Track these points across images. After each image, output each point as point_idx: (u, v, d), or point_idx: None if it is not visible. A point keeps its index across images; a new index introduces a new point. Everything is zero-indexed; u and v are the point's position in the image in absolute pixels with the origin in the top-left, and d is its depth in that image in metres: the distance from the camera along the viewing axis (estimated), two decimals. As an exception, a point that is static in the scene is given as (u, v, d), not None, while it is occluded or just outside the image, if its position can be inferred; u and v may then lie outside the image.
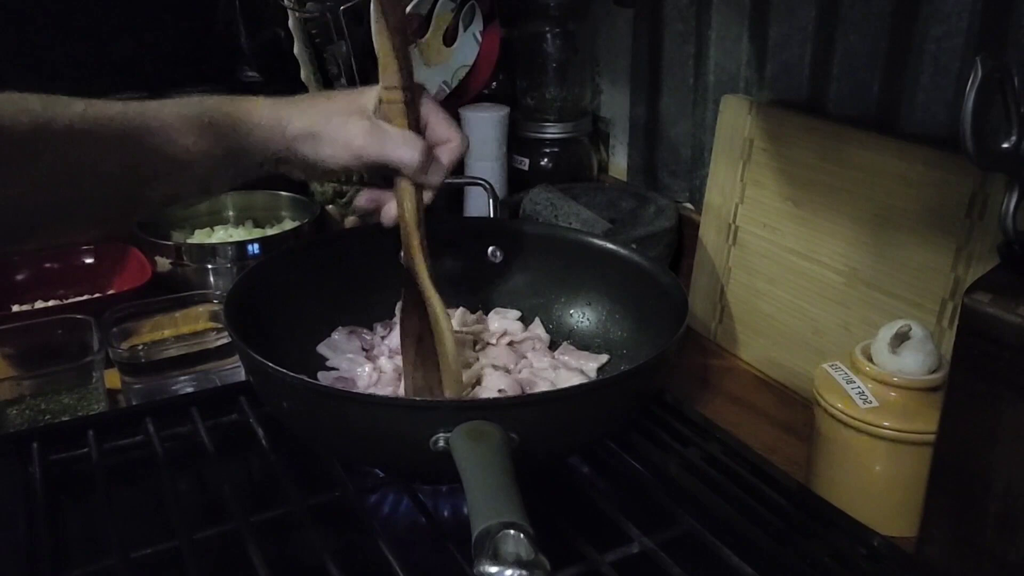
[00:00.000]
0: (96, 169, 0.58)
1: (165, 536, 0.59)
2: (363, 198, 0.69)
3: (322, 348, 0.76)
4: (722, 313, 0.93)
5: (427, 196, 0.67)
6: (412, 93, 0.65)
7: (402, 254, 0.68)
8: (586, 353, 0.77)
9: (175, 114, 0.61)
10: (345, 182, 1.09)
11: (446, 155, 0.67)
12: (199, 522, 0.61)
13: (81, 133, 0.57)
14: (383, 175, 0.67)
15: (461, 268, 0.84)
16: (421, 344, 0.68)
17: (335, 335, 0.77)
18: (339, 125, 0.64)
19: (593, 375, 0.75)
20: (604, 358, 0.76)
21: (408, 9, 0.96)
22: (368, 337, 0.78)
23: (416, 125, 0.65)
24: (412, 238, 0.66)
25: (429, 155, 0.65)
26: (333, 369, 0.74)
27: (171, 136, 0.60)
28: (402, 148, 0.64)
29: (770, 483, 0.65)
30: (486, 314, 0.81)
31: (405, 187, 0.66)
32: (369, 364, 0.73)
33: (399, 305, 0.80)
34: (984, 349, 0.52)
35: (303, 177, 0.71)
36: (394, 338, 0.76)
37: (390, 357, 0.74)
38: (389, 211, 0.68)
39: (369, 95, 0.66)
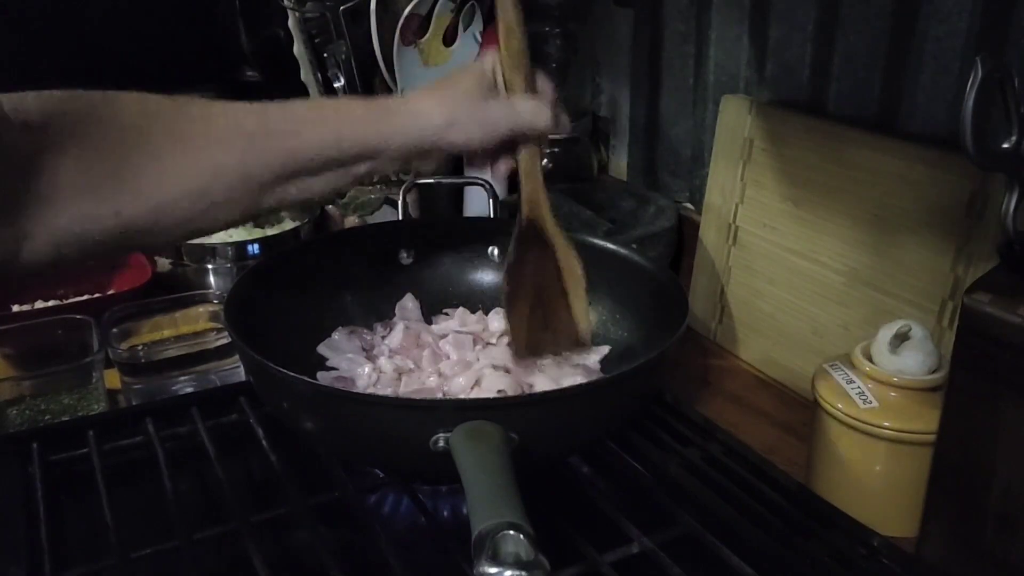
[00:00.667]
0: (228, 167, 0.60)
1: (165, 536, 0.59)
2: (499, 172, 0.71)
3: (322, 348, 0.76)
4: (722, 313, 0.93)
5: (544, 149, 0.72)
6: (528, 55, 0.67)
7: (523, 209, 0.70)
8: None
9: (309, 117, 0.63)
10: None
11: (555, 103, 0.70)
12: (199, 522, 0.61)
13: (219, 129, 0.60)
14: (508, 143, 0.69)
15: (461, 268, 0.84)
16: (537, 295, 0.71)
17: (335, 335, 0.77)
18: (479, 108, 0.66)
19: (595, 367, 0.75)
20: (605, 349, 0.76)
21: (408, 9, 0.96)
22: (368, 337, 0.78)
23: (533, 85, 0.68)
24: (540, 194, 0.70)
25: (556, 116, 0.68)
26: (333, 369, 0.74)
27: (308, 137, 0.62)
28: (537, 119, 0.67)
29: (770, 483, 0.65)
30: (486, 314, 0.81)
31: (533, 151, 0.69)
32: (369, 364, 0.73)
33: (399, 304, 0.81)
34: (984, 349, 0.52)
35: (431, 168, 0.73)
36: (394, 338, 0.76)
37: (390, 357, 0.74)
38: (504, 166, 0.70)
39: (485, 66, 0.68)
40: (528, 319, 0.71)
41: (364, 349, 0.76)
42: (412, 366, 0.74)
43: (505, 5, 0.67)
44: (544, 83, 0.69)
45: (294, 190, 0.64)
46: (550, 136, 0.70)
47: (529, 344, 0.72)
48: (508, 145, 0.68)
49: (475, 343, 0.78)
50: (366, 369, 0.73)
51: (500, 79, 0.68)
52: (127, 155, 0.58)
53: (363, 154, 0.64)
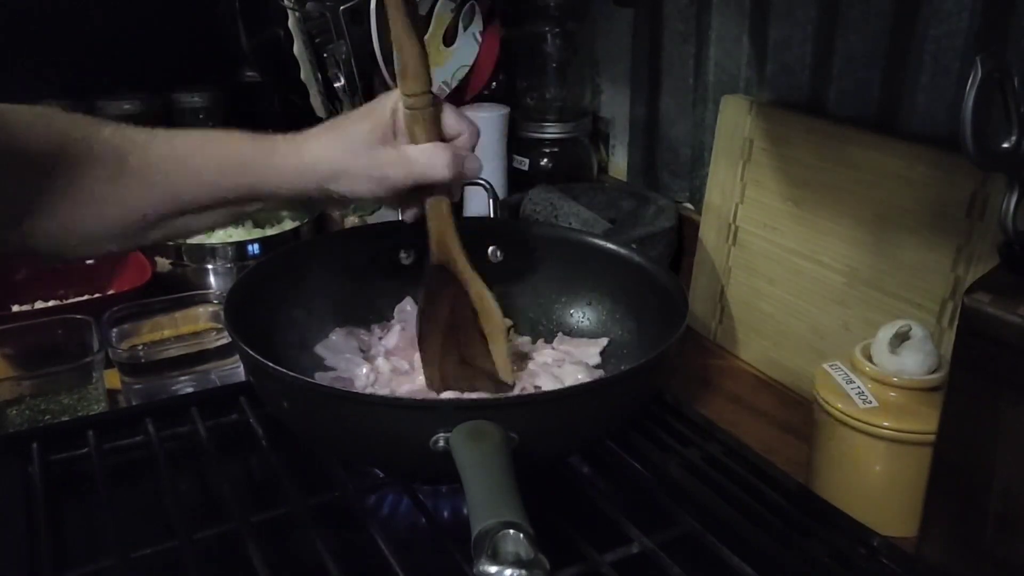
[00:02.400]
0: (131, 200, 0.61)
1: (165, 536, 0.59)
2: (408, 215, 0.68)
3: (319, 349, 0.76)
4: (722, 313, 0.93)
5: (456, 193, 0.68)
6: (431, 96, 0.63)
7: (433, 251, 0.68)
8: (585, 340, 0.78)
9: (202, 150, 0.62)
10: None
11: (464, 148, 0.65)
12: (199, 522, 0.61)
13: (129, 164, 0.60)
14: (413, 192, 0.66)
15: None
16: (451, 335, 0.70)
17: (333, 335, 0.77)
18: (367, 158, 0.62)
19: (596, 361, 0.75)
20: (604, 341, 0.76)
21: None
22: (365, 337, 0.78)
23: (439, 131, 0.64)
24: (448, 236, 0.67)
25: (458, 162, 0.63)
26: (331, 369, 0.74)
27: (201, 172, 0.61)
28: (432, 167, 0.62)
29: (770, 483, 0.65)
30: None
31: (437, 199, 0.66)
32: (367, 365, 0.73)
33: (398, 307, 0.80)
34: (984, 349, 0.52)
35: (333, 211, 0.70)
36: (391, 339, 0.76)
37: (386, 358, 0.74)
38: (411, 212, 0.68)
39: (384, 109, 0.63)
40: (442, 358, 0.70)
41: (361, 350, 0.76)
42: (408, 367, 0.73)
43: (399, 43, 0.61)
44: (459, 124, 0.64)
45: (180, 226, 0.63)
46: (463, 179, 0.65)
47: (445, 378, 0.70)
48: (412, 192, 0.64)
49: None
50: (364, 369, 0.73)
51: (402, 123, 0.63)
52: (18, 190, 0.58)
53: (248, 196, 0.63)
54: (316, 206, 0.66)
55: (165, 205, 0.62)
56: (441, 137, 0.64)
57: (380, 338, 0.78)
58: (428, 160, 0.62)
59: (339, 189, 0.62)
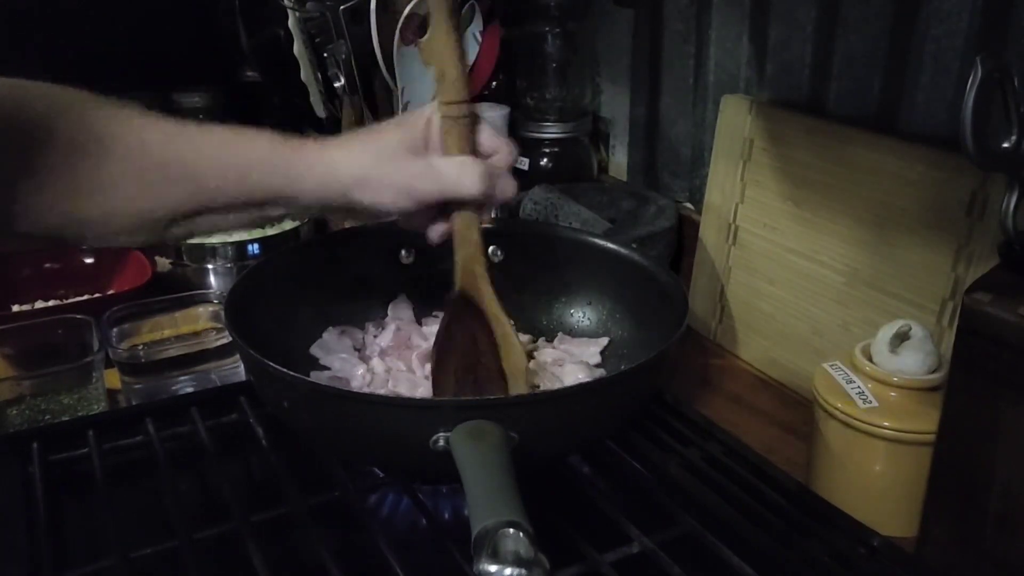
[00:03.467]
0: (151, 193, 0.59)
1: (165, 536, 0.59)
2: (434, 234, 0.64)
3: (315, 349, 0.75)
4: (722, 313, 0.93)
5: (487, 215, 0.64)
6: (470, 107, 0.60)
7: (457, 277, 0.64)
8: (585, 339, 0.78)
9: (219, 159, 0.60)
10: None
11: (499, 167, 0.62)
12: (199, 522, 0.61)
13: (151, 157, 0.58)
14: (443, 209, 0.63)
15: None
16: (467, 367, 0.66)
17: (325, 335, 0.76)
18: (394, 168, 0.59)
19: (597, 360, 0.75)
20: (604, 341, 0.76)
21: (408, 9, 0.96)
22: (360, 336, 0.77)
23: (474, 146, 0.61)
24: (476, 264, 0.63)
25: (490, 179, 0.60)
26: (326, 368, 0.74)
27: (227, 172, 0.60)
28: (462, 182, 0.59)
29: (770, 483, 0.65)
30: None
31: (467, 216, 0.62)
32: (363, 365, 0.73)
33: (392, 304, 0.80)
34: (984, 349, 0.52)
35: (357, 222, 0.66)
36: (384, 337, 0.76)
37: (381, 358, 0.74)
38: (438, 229, 0.64)
39: (419, 120, 0.61)
40: (455, 390, 0.66)
41: (356, 349, 0.76)
42: (403, 367, 0.73)
43: (440, 49, 0.58)
44: (496, 142, 0.62)
45: (204, 224, 0.61)
46: (495, 197, 0.61)
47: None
48: (444, 208, 0.62)
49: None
50: (360, 370, 0.73)
51: (435, 135, 0.60)
52: (53, 176, 0.57)
53: (271, 198, 0.60)
54: (340, 218, 0.63)
55: (190, 200, 0.60)
56: (476, 153, 0.61)
57: (375, 336, 0.78)
58: (458, 174, 0.59)
59: (363, 198, 0.59)
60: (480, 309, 0.64)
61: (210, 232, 0.64)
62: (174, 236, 0.62)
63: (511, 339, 0.64)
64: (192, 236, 0.64)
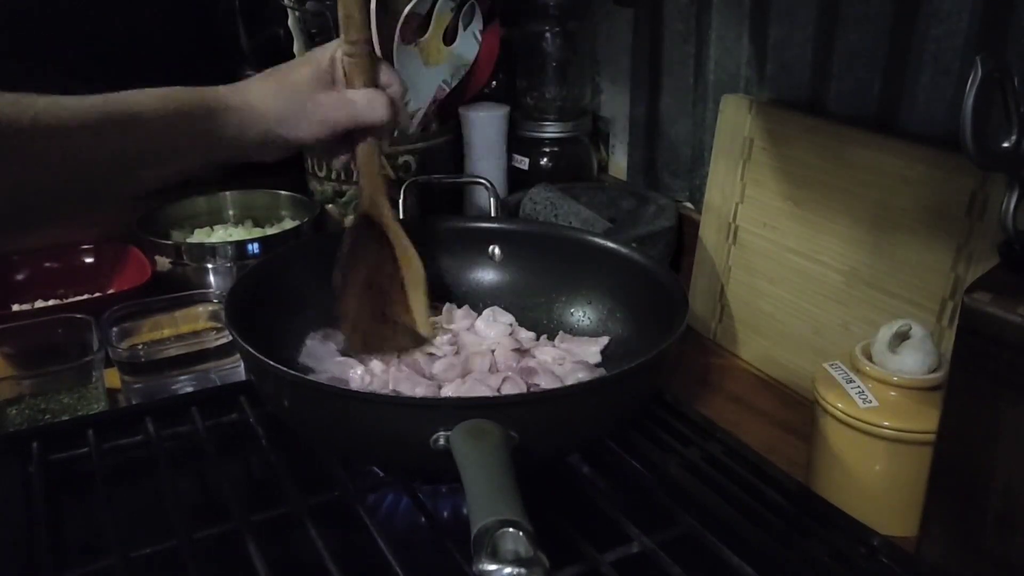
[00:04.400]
0: (83, 158, 0.59)
1: (165, 536, 0.59)
2: (338, 162, 0.72)
3: (304, 359, 0.74)
4: (722, 312, 0.93)
5: (385, 143, 0.70)
6: (371, 44, 0.67)
7: (362, 199, 0.71)
8: (586, 338, 0.78)
9: (150, 104, 0.62)
10: (344, 180, 1.09)
11: (397, 96, 0.69)
12: (199, 522, 0.61)
13: (69, 126, 0.58)
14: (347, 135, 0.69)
15: (461, 267, 0.84)
16: (371, 291, 0.71)
17: (308, 342, 0.75)
18: (311, 102, 0.65)
19: (597, 360, 0.75)
20: (604, 340, 0.76)
21: (408, 8, 0.96)
22: (341, 338, 0.77)
23: (375, 78, 0.67)
24: (379, 188, 0.70)
25: (394, 107, 0.67)
26: (322, 372, 0.74)
27: (150, 125, 0.61)
28: (372, 110, 0.66)
29: (770, 483, 0.65)
30: (479, 313, 0.81)
31: (370, 144, 0.69)
32: (361, 367, 0.72)
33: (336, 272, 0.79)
34: (984, 349, 0.52)
35: (273, 158, 0.71)
36: None
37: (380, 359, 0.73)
38: (342, 158, 0.71)
39: (323, 57, 0.67)
40: (361, 315, 0.72)
41: (339, 351, 0.75)
42: (406, 371, 0.73)
43: None
44: (390, 76, 0.68)
45: (129, 180, 0.63)
46: (401, 130, 0.70)
47: (366, 338, 0.72)
48: (347, 138, 0.68)
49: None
50: (359, 371, 0.72)
51: (339, 71, 0.66)
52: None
53: (197, 145, 0.64)
54: (254, 155, 0.69)
55: (123, 152, 0.61)
56: (377, 86, 0.67)
57: None
58: (368, 103, 0.65)
59: (284, 133, 0.65)
60: (381, 230, 0.71)
61: (139, 190, 0.65)
62: (133, 191, 0.64)
63: (410, 251, 0.72)
64: (126, 195, 0.65)
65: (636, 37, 1.08)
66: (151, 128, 0.61)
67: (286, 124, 0.65)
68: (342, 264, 0.71)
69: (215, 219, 1.12)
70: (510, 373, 0.70)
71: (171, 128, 0.62)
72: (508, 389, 0.69)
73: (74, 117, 0.58)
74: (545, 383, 0.70)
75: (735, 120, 0.89)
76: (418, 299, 0.73)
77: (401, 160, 1.06)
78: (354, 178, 1.08)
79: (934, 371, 0.63)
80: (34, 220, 0.63)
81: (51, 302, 0.97)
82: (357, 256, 0.72)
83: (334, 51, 0.66)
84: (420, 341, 0.73)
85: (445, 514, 0.65)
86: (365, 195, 0.71)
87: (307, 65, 0.66)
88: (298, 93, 0.65)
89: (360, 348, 0.72)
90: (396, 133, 0.73)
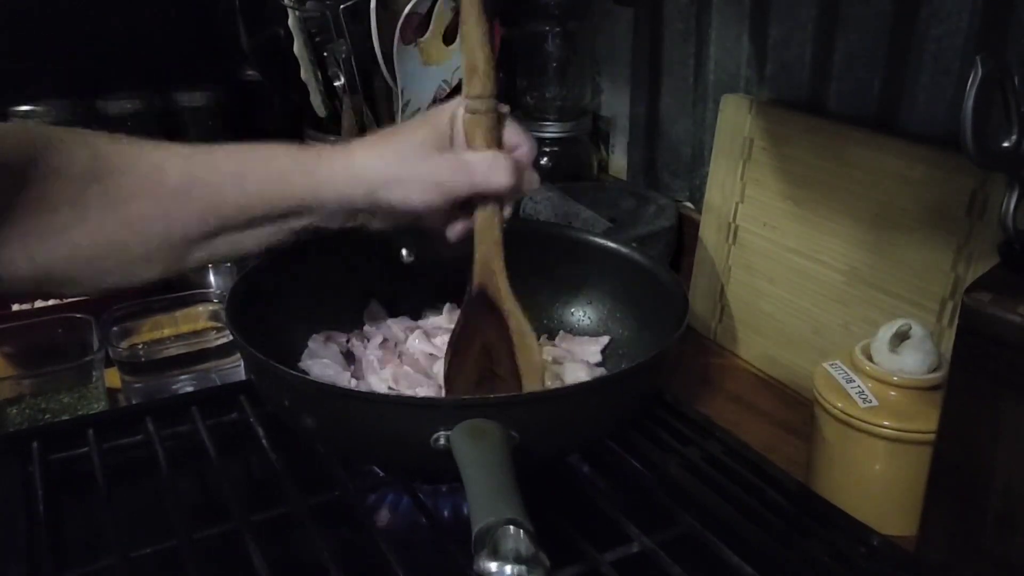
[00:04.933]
0: (176, 217, 0.58)
1: (165, 536, 0.59)
2: (454, 232, 0.64)
3: (305, 362, 0.74)
4: (722, 312, 0.93)
5: (508, 210, 0.64)
6: (496, 100, 0.60)
7: (475, 272, 0.64)
8: (586, 338, 0.78)
9: (238, 174, 0.59)
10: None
11: (523, 160, 0.62)
12: (199, 522, 0.61)
13: (173, 180, 0.57)
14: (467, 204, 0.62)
15: (461, 266, 0.84)
16: (482, 366, 0.65)
17: (311, 343, 0.75)
18: (423, 164, 0.59)
19: (598, 359, 0.75)
20: (605, 340, 0.76)
21: (408, 9, 0.96)
22: (344, 340, 0.76)
23: (500, 140, 0.61)
24: (496, 260, 0.63)
25: (518, 172, 0.60)
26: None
27: (238, 190, 0.58)
28: (493, 175, 0.59)
29: (770, 483, 0.65)
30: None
31: (489, 211, 0.62)
32: (355, 380, 0.72)
33: (367, 311, 0.79)
34: (984, 348, 0.52)
35: (382, 226, 0.65)
36: (373, 351, 0.75)
37: (378, 372, 0.73)
38: (458, 227, 0.64)
39: (442, 116, 0.61)
40: (469, 387, 0.65)
41: (342, 353, 0.75)
42: (407, 368, 0.73)
43: (471, 42, 0.59)
44: (518, 137, 0.62)
45: (223, 246, 0.60)
46: (520, 189, 0.61)
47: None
48: (464, 205, 0.61)
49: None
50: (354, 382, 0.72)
51: (460, 130, 0.60)
52: (56, 205, 0.55)
53: (295, 209, 0.59)
54: (363, 220, 0.63)
55: (209, 218, 0.59)
56: (500, 147, 0.61)
57: (364, 344, 0.76)
58: (489, 167, 0.59)
59: (390, 197, 0.59)
60: (496, 307, 0.64)
61: (230, 255, 0.61)
62: (194, 261, 0.60)
63: (527, 336, 0.63)
64: (212, 261, 0.62)
65: (636, 37, 1.08)
66: (245, 189, 0.58)
67: (394, 188, 0.59)
68: (453, 342, 0.65)
69: (215, 219, 1.12)
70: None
71: (265, 190, 0.58)
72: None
73: (153, 176, 0.57)
74: (545, 383, 0.70)
75: (735, 120, 0.89)
76: (534, 389, 0.64)
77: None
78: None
79: (934, 371, 0.63)
80: (109, 281, 0.60)
81: (51, 302, 0.96)
82: (469, 335, 0.65)
83: (455, 109, 0.61)
84: None
85: (445, 514, 0.65)
86: (480, 264, 0.64)
87: (424, 126, 0.61)
88: (409, 155, 0.59)
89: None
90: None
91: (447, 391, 0.65)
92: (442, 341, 0.76)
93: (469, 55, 0.59)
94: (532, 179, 0.62)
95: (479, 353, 0.65)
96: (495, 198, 0.62)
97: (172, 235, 0.59)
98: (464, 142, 0.61)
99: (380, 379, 0.72)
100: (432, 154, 0.59)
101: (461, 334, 0.65)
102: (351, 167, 0.59)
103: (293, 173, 0.59)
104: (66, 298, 0.98)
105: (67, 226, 0.56)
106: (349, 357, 0.76)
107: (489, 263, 0.63)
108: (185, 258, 0.60)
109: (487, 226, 0.63)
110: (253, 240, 0.61)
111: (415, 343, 0.75)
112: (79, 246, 0.57)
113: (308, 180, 0.59)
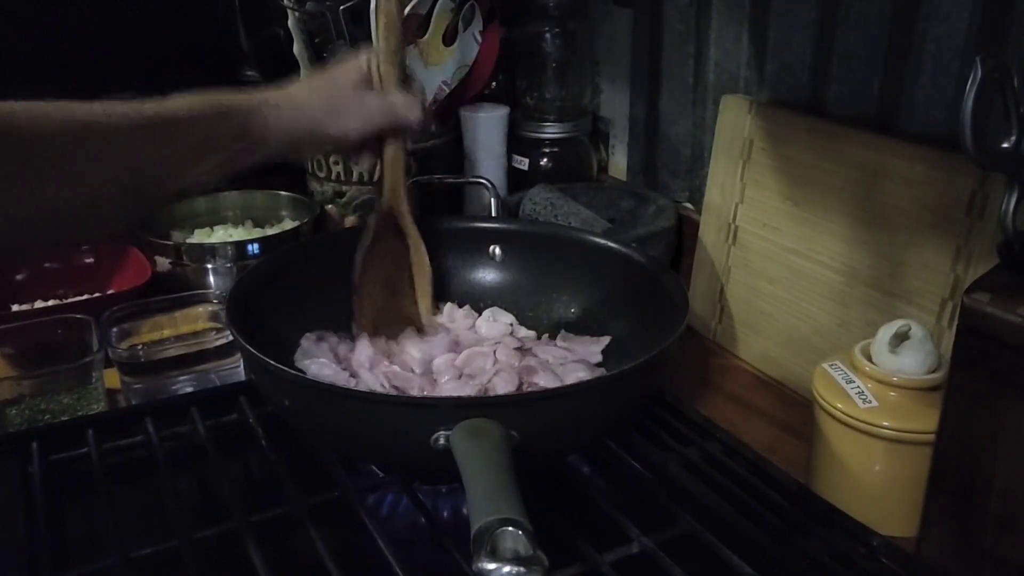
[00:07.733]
0: (127, 164, 0.60)
1: (165, 536, 0.59)
2: (365, 163, 0.75)
3: (299, 361, 0.73)
4: (722, 312, 0.93)
5: (409, 143, 0.76)
6: (403, 54, 0.74)
7: (385, 196, 0.76)
8: (587, 338, 0.77)
9: (188, 105, 0.63)
10: (344, 181, 1.09)
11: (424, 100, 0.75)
12: (199, 522, 0.61)
13: (101, 132, 0.59)
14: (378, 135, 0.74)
15: (461, 267, 0.84)
16: (385, 281, 0.77)
17: (304, 343, 0.74)
18: (356, 100, 0.70)
19: (598, 359, 0.75)
20: (606, 340, 0.76)
21: (408, 9, 0.96)
22: (336, 340, 0.76)
23: (406, 82, 0.73)
24: (400, 185, 0.76)
25: (425, 109, 0.73)
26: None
27: (193, 124, 0.63)
28: (409, 110, 0.71)
29: (770, 483, 0.65)
30: (479, 313, 0.81)
31: (397, 144, 0.74)
32: (353, 380, 0.72)
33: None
34: (984, 349, 0.52)
35: (310, 155, 0.77)
36: (362, 353, 0.74)
37: (371, 370, 0.73)
38: (368, 158, 0.75)
39: (362, 61, 0.72)
40: (376, 299, 0.77)
41: (335, 353, 0.75)
42: (398, 368, 0.73)
43: (388, 3, 0.72)
44: (416, 82, 0.75)
45: (176, 180, 0.64)
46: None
47: (376, 324, 0.77)
48: (375, 139, 0.73)
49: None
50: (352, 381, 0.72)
51: (376, 74, 0.72)
52: (38, 166, 0.56)
53: (238, 137, 0.65)
54: (299, 153, 0.76)
55: (170, 154, 0.62)
56: (408, 89, 0.73)
57: (351, 349, 0.76)
58: (407, 104, 0.71)
59: (329, 128, 0.70)
60: (398, 223, 0.77)
61: (177, 187, 0.66)
62: (150, 198, 0.65)
63: (421, 248, 0.78)
64: (164, 195, 0.68)
65: (636, 37, 1.08)
66: (194, 127, 0.63)
67: (336, 120, 0.70)
68: (365, 252, 0.76)
69: (215, 219, 1.12)
70: (501, 369, 0.70)
71: (215, 126, 0.64)
72: (500, 382, 0.69)
73: (114, 123, 0.59)
74: (545, 382, 0.70)
75: (735, 120, 0.89)
76: (424, 297, 0.78)
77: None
78: (355, 178, 1.08)
79: (934, 371, 0.63)
80: (81, 231, 0.65)
81: (51, 302, 0.97)
82: (379, 247, 0.76)
83: (371, 56, 0.72)
84: (419, 330, 0.78)
85: (445, 514, 0.65)
86: (388, 190, 0.75)
87: (351, 69, 0.71)
88: (345, 91, 0.70)
89: (371, 331, 0.76)
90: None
91: (356, 303, 0.76)
92: (440, 340, 0.76)
93: (385, 9, 0.72)
94: (429, 116, 0.79)
95: (384, 267, 0.77)
96: (402, 133, 0.74)
97: (139, 172, 0.61)
98: (379, 85, 0.72)
99: (373, 377, 0.72)
100: (363, 92, 0.71)
101: (372, 244, 0.76)
102: (294, 105, 0.69)
103: (243, 109, 0.66)
104: (66, 299, 0.98)
105: (41, 180, 0.57)
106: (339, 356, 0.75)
107: (395, 188, 0.76)
108: (145, 195, 0.64)
109: (394, 157, 0.75)
110: (202, 171, 0.65)
111: (406, 342, 0.75)
112: (54, 198, 0.58)
113: (257, 116, 0.66)
